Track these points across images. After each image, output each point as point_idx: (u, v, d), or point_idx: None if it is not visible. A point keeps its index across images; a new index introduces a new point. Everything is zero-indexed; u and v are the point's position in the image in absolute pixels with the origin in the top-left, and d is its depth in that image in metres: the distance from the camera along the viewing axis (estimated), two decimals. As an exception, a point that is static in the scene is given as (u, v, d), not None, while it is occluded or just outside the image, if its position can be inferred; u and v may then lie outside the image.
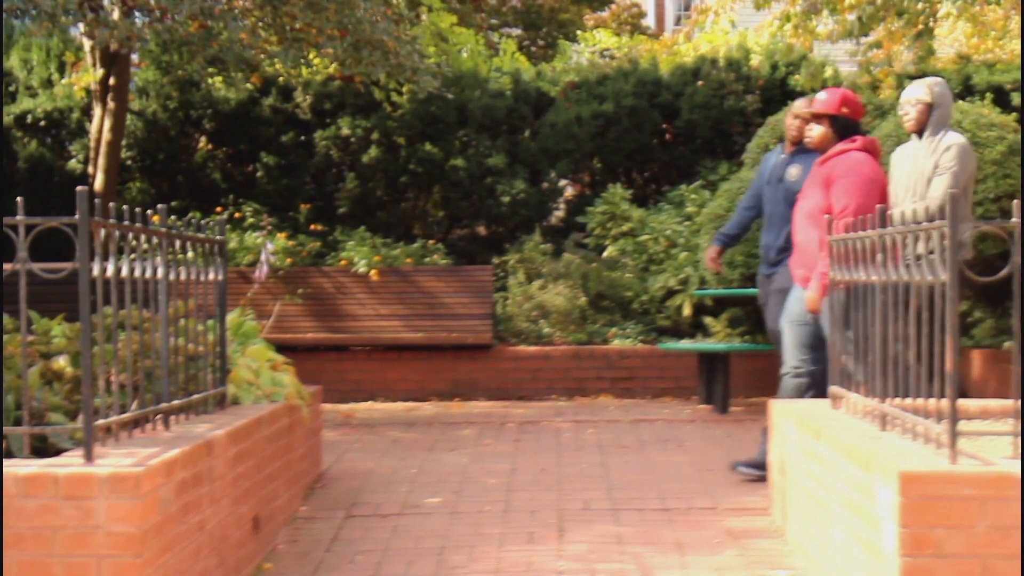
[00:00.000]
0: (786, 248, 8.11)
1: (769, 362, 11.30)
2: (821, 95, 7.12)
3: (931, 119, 7.26)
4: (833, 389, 5.61)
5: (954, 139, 7.23)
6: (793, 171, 8.29)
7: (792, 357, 7.14)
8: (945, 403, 4.10)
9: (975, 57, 14.66)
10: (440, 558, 5.62)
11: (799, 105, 8.49)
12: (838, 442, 4.69)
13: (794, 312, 7.11)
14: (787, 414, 5.79)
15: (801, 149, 8.38)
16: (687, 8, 28.37)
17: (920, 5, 10.92)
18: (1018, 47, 14.16)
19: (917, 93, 7.29)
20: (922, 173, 7.20)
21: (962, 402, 4.53)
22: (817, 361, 7.02)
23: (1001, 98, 12.93)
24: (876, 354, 4.92)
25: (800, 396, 6.97)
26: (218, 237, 5.71)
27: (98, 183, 12.34)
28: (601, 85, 14.01)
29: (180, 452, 4.41)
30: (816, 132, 7.05)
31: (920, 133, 7.30)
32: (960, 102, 11.89)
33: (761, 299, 8.70)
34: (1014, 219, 4.04)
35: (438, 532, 6.12)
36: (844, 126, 7.02)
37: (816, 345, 7.01)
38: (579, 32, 23.03)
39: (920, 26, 11.14)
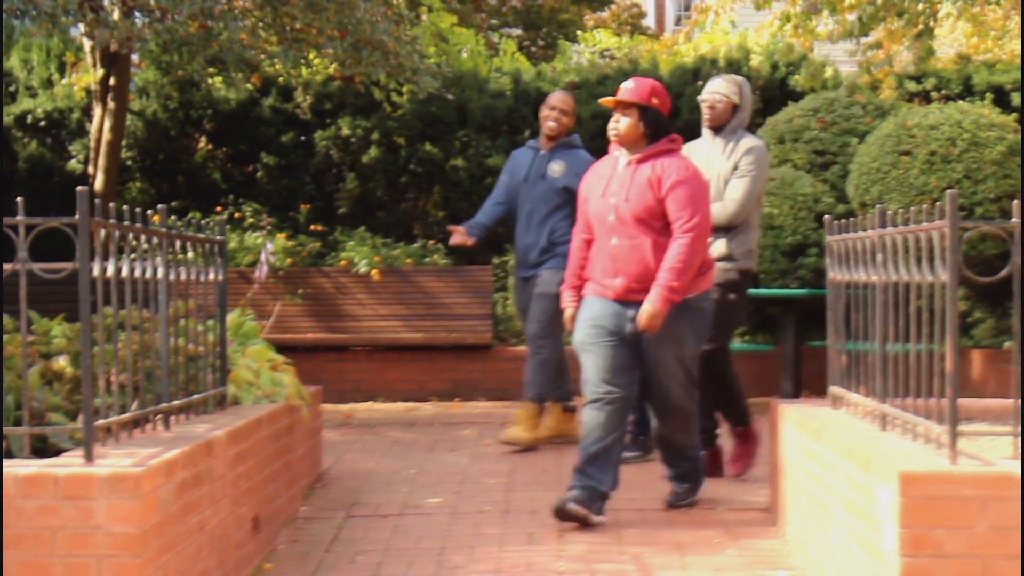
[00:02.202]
0: (549, 249, 8.03)
1: (768, 362, 11.31)
2: (628, 84, 6.19)
3: (734, 119, 7.16)
4: (833, 389, 5.61)
5: (754, 142, 7.12)
6: (556, 168, 8.11)
7: (597, 381, 6.09)
8: (945, 403, 4.10)
9: (975, 57, 14.66)
10: (440, 558, 5.62)
11: (557, 98, 8.32)
12: (838, 442, 4.69)
13: (608, 327, 6.07)
14: (787, 415, 5.79)
15: (563, 144, 8.24)
16: (687, 8, 28.37)
17: (920, 5, 10.92)
18: (1018, 47, 14.15)
19: (727, 91, 7.17)
20: (719, 173, 7.09)
21: (962, 402, 4.52)
22: (629, 384, 6.11)
23: (1001, 98, 12.94)
24: (876, 354, 4.92)
25: (612, 426, 6.05)
26: (218, 237, 5.71)
27: (98, 183, 12.34)
28: (601, 85, 14.00)
29: (180, 452, 4.41)
30: (624, 124, 6.12)
31: (717, 130, 7.15)
32: (960, 102, 11.92)
33: (519, 303, 8.53)
34: (1014, 219, 4.04)
35: (438, 532, 6.12)
36: (655, 120, 6.11)
37: (629, 366, 6.11)
38: (579, 32, 23.02)
39: (920, 26, 11.13)
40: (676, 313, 5.98)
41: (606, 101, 6.21)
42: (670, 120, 6.21)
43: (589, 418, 6.08)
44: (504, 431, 8.49)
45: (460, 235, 8.37)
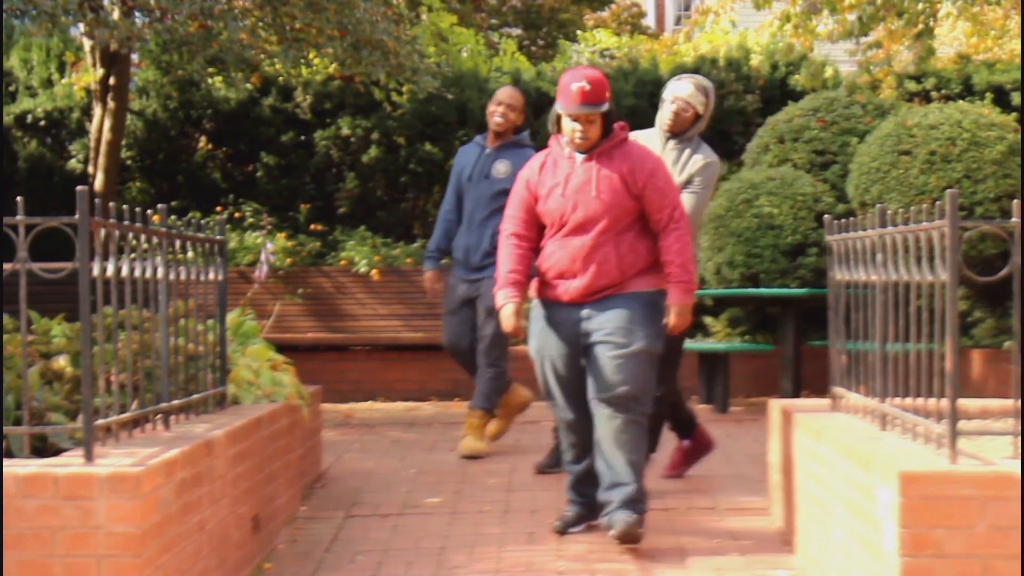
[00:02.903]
0: (492, 253, 7.37)
1: (768, 362, 11.32)
2: (587, 87, 5.47)
3: (692, 128, 6.81)
4: (833, 389, 5.61)
5: (710, 158, 6.82)
6: (501, 167, 7.77)
7: (564, 398, 5.77)
8: (945, 403, 4.10)
9: (975, 57, 14.66)
10: (440, 558, 5.62)
11: (506, 93, 7.96)
12: (838, 442, 4.69)
13: (567, 331, 5.67)
14: (787, 415, 5.79)
15: (510, 142, 7.89)
16: (687, 8, 28.38)
17: (920, 5, 10.92)
18: (1018, 47, 14.15)
19: (696, 101, 6.80)
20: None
21: (962, 402, 4.53)
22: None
23: (1001, 98, 12.93)
24: (876, 354, 4.92)
25: (591, 441, 5.73)
26: (218, 237, 5.71)
27: (98, 183, 12.34)
28: (601, 85, 14.00)
29: (180, 452, 4.41)
30: (593, 132, 5.57)
31: (675, 135, 6.80)
32: (960, 102, 11.91)
33: (450, 305, 8.11)
34: (1014, 219, 4.04)
35: (438, 532, 6.11)
36: (611, 117, 5.62)
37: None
38: (579, 32, 23.01)
39: (920, 26, 11.13)
40: (633, 302, 5.56)
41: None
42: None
43: (565, 436, 5.86)
44: (461, 445, 8.06)
45: (431, 282, 8.19)
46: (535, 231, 5.70)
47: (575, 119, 5.49)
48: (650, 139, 6.79)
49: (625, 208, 5.55)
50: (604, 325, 5.53)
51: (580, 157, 5.60)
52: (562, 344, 5.64)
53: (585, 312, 5.58)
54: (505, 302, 5.66)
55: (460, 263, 7.96)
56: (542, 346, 5.69)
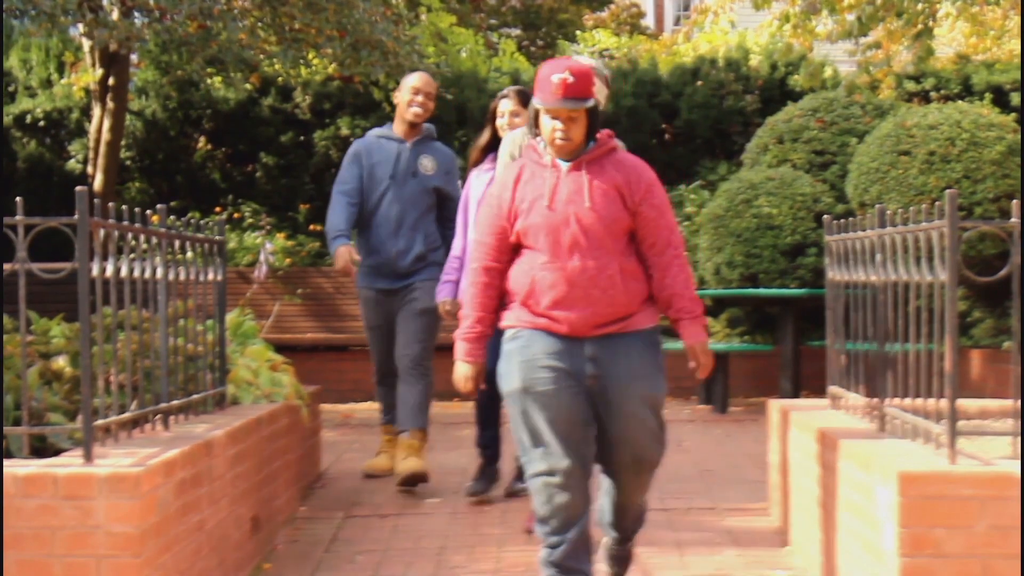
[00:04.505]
0: (423, 257, 6.96)
1: (767, 362, 11.32)
2: (570, 79, 4.53)
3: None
4: (832, 389, 5.61)
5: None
6: (427, 164, 7.07)
7: (551, 445, 4.52)
8: (944, 403, 4.10)
9: (974, 57, 14.67)
10: (440, 558, 5.62)
11: (423, 79, 7.21)
12: (837, 442, 4.69)
13: (564, 368, 4.53)
14: (787, 414, 5.79)
15: (426, 137, 7.21)
16: (686, 8, 28.38)
17: (919, 5, 10.92)
18: (1017, 47, 14.15)
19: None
20: None
21: (961, 402, 4.53)
22: (589, 444, 4.61)
23: (1000, 98, 12.94)
24: (875, 354, 4.92)
25: (580, 505, 4.57)
26: (217, 237, 5.71)
27: (97, 183, 12.34)
28: (600, 85, 14.01)
29: (179, 452, 4.41)
30: (577, 132, 4.57)
31: None
32: (959, 102, 11.92)
33: (376, 319, 7.22)
34: (1013, 219, 4.04)
35: (438, 532, 6.11)
36: (597, 114, 4.63)
37: (588, 421, 4.59)
38: (578, 32, 23.03)
39: (919, 26, 11.13)
40: (640, 346, 4.58)
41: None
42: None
43: (544, 499, 4.55)
44: (400, 470, 7.05)
45: (347, 256, 6.95)
46: (506, 259, 4.65)
47: (555, 116, 4.55)
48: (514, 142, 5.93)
49: (621, 226, 4.57)
50: (620, 373, 4.54)
51: (565, 166, 4.60)
52: (559, 377, 4.51)
53: (589, 350, 4.53)
54: (464, 362, 4.67)
55: (385, 270, 7.08)
56: (529, 384, 4.52)
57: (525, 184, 4.64)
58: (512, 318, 4.62)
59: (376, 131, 7.29)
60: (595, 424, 4.59)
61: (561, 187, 4.58)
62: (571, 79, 4.54)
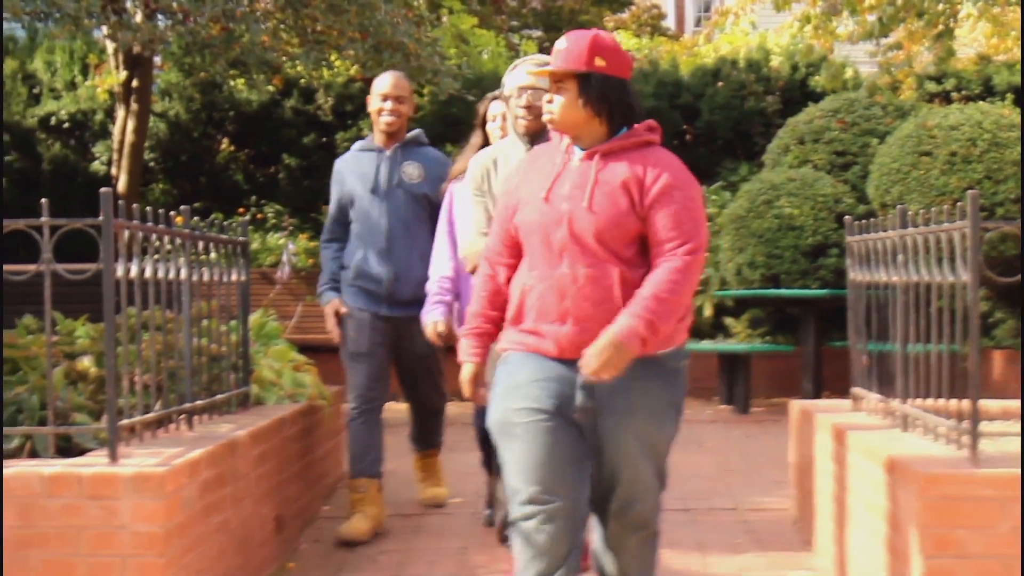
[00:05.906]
0: (425, 282, 5.87)
1: (789, 363, 11.30)
2: (560, 44, 3.91)
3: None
4: (854, 390, 5.61)
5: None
6: (412, 171, 6.25)
7: (531, 484, 3.85)
8: (967, 404, 4.10)
9: (995, 58, 14.63)
10: (462, 558, 5.63)
11: (390, 83, 6.38)
12: (859, 443, 4.69)
13: (548, 400, 3.86)
14: (808, 415, 5.79)
15: (409, 141, 6.39)
16: (707, 10, 28.35)
17: (940, 6, 10.91)
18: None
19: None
20: None
21: (983, 403, 4.52)
22: (579, 486, 3.90)
23: (1022, 98, 12.90)
24: (897, 355, 4.92)
25: (560, 553, 3.87)
26: (240, 238, 5.74)
27: (121, 184, 12.40)
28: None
29: (203, 452, 4.44)
30: (559, 104, 3.87)
31: (533, 139, 5.04)
32: (981, 103, 11.88)
33: (360, 347, 6.22)
34: (1035, 220, 4.04)
35: (460, 532, 6.13)
36: (602, 90, 3.86)
37: (579, 459, 3.89)
38: (599, 33, 22.99)
39: (940, 27, 11.12)
40: (648, 375, 3.83)
41: (538, 73, 3.95)
42: (631, 90, 3.96)
43: (525, 546, 3.88)
44: (429, 496, 6.86)
45: (335, 308, 6.29)
46: (516, 256, 4.04)
47: (536, 85, 4.01)
48: (508, 148, 5.20)
49: (625, 230, 3.82)
50: (616, 406, 3.86)
51: (578, 154, 3.93)
52: (536, 411, 3.84)
53: (583, 376, 3.78)
54: (466, 359, 4.12)
55: (373, 294, 6.23)
56: (505, 417, 3.92)
57: (533, 169, 4.03)
58: (504, 339, 4.01)
59: (358, 144, 6.50)
60: (589, 462, 3.92)
61: (564, 178, 3.91)
62: (561, 46, 3.90)
